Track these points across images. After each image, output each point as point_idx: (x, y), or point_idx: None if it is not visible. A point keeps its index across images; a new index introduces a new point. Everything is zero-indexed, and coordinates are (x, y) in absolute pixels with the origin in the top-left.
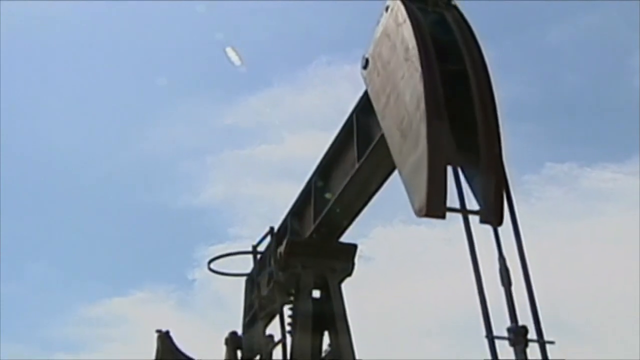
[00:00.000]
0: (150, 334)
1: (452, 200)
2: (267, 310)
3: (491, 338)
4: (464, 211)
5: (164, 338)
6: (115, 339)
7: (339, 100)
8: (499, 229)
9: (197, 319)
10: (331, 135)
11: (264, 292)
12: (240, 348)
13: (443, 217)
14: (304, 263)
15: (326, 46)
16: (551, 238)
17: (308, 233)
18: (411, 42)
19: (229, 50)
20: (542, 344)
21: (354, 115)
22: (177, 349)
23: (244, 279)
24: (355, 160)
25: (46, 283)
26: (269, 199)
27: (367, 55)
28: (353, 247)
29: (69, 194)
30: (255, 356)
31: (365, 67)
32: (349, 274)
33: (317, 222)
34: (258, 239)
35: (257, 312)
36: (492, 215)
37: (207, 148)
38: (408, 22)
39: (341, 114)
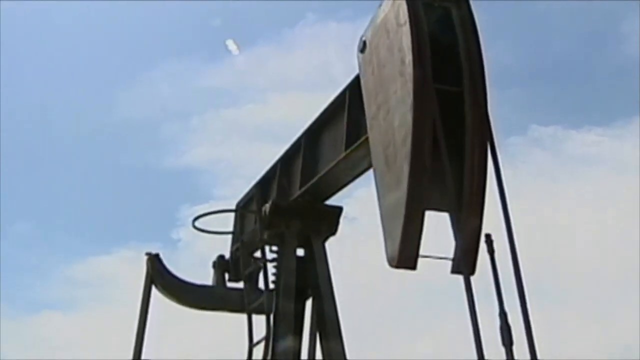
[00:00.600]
0: (135, 292)
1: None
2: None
3: None
4: (436, 257)
5: (154, 260)
6: (100, 296)
7: (326, 62)
8: (501, 283)
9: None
10: (317, 97)
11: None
12: (228, 271)
13: (414, 268)
14: (288, 223)
15: (314, 4)
16: (535, 201)
17: (293, 197)
18: (408, 55)
19: (229, 42)
20: None
21: (347, 92)
22: (167, 271)
23: (228, 237)
24: (344, 147)
25: (30, 243)
26: (253, 160)
27: (364, 39)
28: (338, 209)
29: (52, 154)
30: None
31: (362, 50)
32: (333, 234)
33: (303, 190)
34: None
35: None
36: (464, 266)
37: (192, 109)
38: (408, 27)
39: (327, 76)
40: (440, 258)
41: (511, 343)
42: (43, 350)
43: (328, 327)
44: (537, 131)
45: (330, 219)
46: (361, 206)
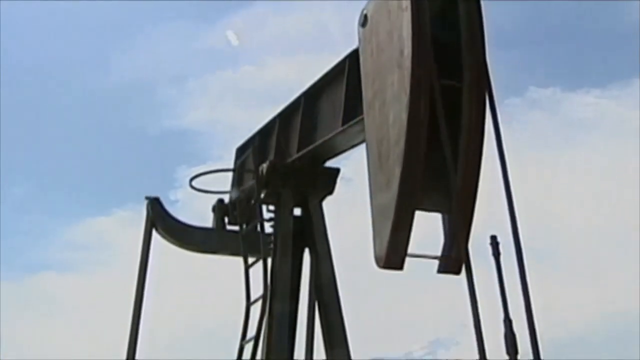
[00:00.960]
0: (133, 253)
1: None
2: None
3: None
4: (424, 257)
5: (154, 203)
6: (99, 258)
7: (324, 23)
8: (507, 290)
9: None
10: (315, 59)
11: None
12: (227, 215)
13: (400, 269)
14: (285, 183)
15: None
16: (532, 164)
17: (291, 159)
18: (407, 48)
19: (229, 33)
20: None
21: (347, 61)
22: (168, 214)
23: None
24: (341, 122)
25: (27, 206)
26: (251, 122)
27: (366, 12)
28: (335, 171)
29: (49, 116)
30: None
31: (363, 24)
32: (330, 193)
33: (300, 154)
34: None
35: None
36: (450, 266)
37: (189, 71)
38: (409, 15)
39: (326, 37)
40: (428, 257)
41: (516, 352)
42: (43, 311)
43: (324, 285)
44: (535, 92)
45: (327, 179)
46: (358, 168)
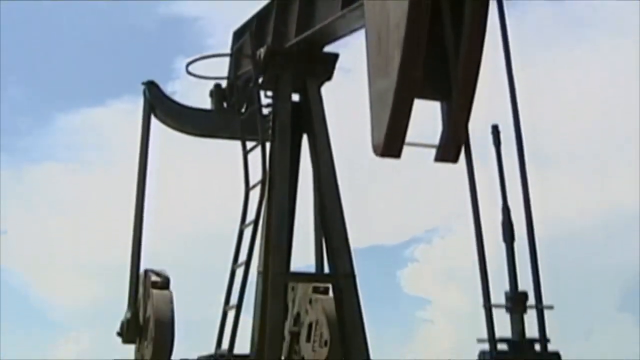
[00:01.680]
0: (133, 145)
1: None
2: None
3: (489, 307)
4: (421, 145)
5: (152, 87)
6: (98, 150)
7: None
8: (506, 178)
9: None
10: None
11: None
12: (225, 100)
13: (398, 156)
14: (283, 68)
15: None
16: (536, 63)
17: (289, 44)
18: None
19: None
20: (540, 310)
21: None
22: (166, 96)
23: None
24: (340, 6)
25: (25, 97)
26: (248, 9)
27: None
28: (334, 56)
29: (45, 11)
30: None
31: None
32: (329, 78)
33: (298, 38)
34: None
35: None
36: (448, 153)
37: None
38: None
39: None
40: (426, 145)
41: (512, 239)
42: (43, 201)
43: (323, 172)
44: None
45: (326, 65)
46: (357, 57)
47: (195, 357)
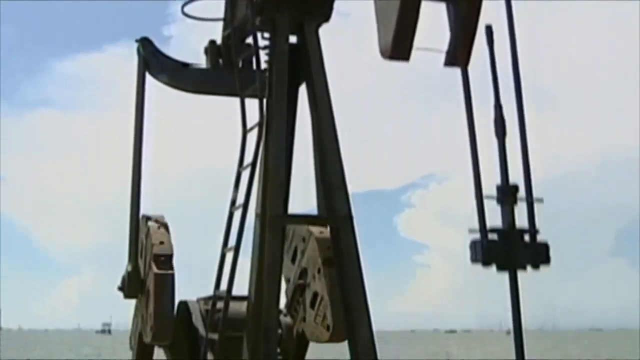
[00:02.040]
0: (130, 92)
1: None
2: None
3: (480, 198)
4: (430, 49)
5: (146, 43)
6: (96, 94)
7: None
8: (499, 77)
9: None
10: None
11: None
12: (222, 57)
13: (407, 59)
14: (280, 8)
15: None
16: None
17: None
18: None
19: None
20: (530, 202)
21: None
22: (161, 53)
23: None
24: None
25: (20, 44)
26: None
27: None
28: None
29: None
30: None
31: None
32: (326, 20)
33: None
34: None
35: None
36: (459, 57)
37: None
38: None
39: None
40: (435, 50)
41: (504, 134)
42: (41, 146)
43: (321, 119)
44: None
45: (324, 5)
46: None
47: (195, 299)
